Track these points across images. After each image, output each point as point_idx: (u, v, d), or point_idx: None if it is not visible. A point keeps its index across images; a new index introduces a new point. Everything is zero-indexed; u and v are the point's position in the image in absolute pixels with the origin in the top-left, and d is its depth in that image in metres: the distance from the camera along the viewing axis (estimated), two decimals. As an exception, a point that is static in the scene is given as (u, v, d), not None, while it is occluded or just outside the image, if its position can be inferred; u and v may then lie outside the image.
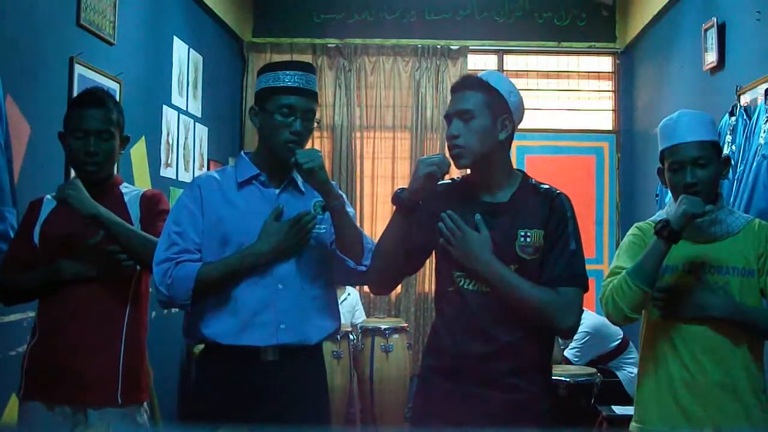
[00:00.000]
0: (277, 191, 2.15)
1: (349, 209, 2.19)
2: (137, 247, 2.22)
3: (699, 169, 2.12)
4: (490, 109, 2.00)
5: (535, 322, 1.98)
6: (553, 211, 2.01)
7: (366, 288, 5.48)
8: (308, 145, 2.18)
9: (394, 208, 2.02)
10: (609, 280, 2.16)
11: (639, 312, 2.14)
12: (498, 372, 1.96)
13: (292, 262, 2.10)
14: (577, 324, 1.99)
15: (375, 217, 5.83)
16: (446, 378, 2.01)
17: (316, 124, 2.17)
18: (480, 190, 2.06)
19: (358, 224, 2.21)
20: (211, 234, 2.10)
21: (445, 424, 1.97)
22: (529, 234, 1.98)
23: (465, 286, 2.00)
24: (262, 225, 2.08)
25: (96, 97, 2.35)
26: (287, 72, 2.10)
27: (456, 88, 2.05)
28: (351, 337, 4.95)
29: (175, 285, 2.04)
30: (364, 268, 2.12)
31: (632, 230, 2.28)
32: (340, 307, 2.34)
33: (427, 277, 5.65)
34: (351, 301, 5.34)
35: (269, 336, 2.06)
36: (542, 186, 2.07)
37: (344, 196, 2.22)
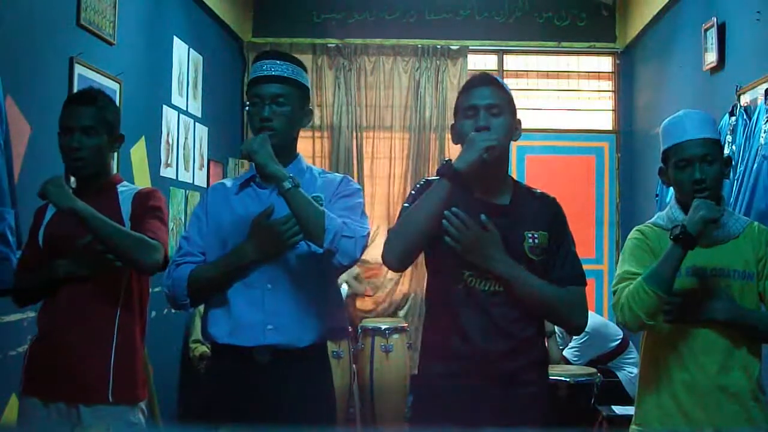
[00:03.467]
0: (269, 191, 2.13)
1: (356, 199, 2.14)
2: (117, 242, 2.19)
3: (707, 165, 2.13)
4: (512, 110, 2.07)
5: (548, 319, 2.07)
6: (554, 214, 2.08)
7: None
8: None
9: (443, 178, 1.96)
10: (622, 286, 2.13)
11: (656, 318, 2.09)
12: (515, 368, 1.99)
13: (284, 262, 2.08)
14: (587, 320, 2.06)
15: (373, 217, 5.82)
16: (457, 378, 1.99)
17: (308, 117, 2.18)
18: (479, 191, 2.06)
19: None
20: (212, 237, 2.14)
21: (456, 424, 1.95)
22: (536, 235, 2.02)
23: (476, 286, 2.00)
24: (250, 225, 2.07)
25: (85, 95, 2.36)
26: (256, 63, 2.16)
27: (482, 83, 2.06)
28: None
29: (174, 285, 2.10)
30: (320, 250, 1.98)
31: (634, 234, 2.26)
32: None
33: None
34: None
35: (258, 337, 2.05)
36: (536, 190, 2.13)
37: (346, 178, 2.19)
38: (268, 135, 2.04)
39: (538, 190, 2.13)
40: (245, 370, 2.06)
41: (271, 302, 2.06)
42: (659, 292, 2.03)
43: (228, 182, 2.24)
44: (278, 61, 2.14)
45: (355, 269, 5.50)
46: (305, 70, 2.22)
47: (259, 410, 2.04)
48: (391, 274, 5.69)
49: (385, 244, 2.02)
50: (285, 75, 2.13)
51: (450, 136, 2.20)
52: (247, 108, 2.16)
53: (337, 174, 2.24)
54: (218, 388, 2.10)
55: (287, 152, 2.13)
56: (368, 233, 2.08)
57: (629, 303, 2.07)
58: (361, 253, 2.06)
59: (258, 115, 2.10)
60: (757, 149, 3.16)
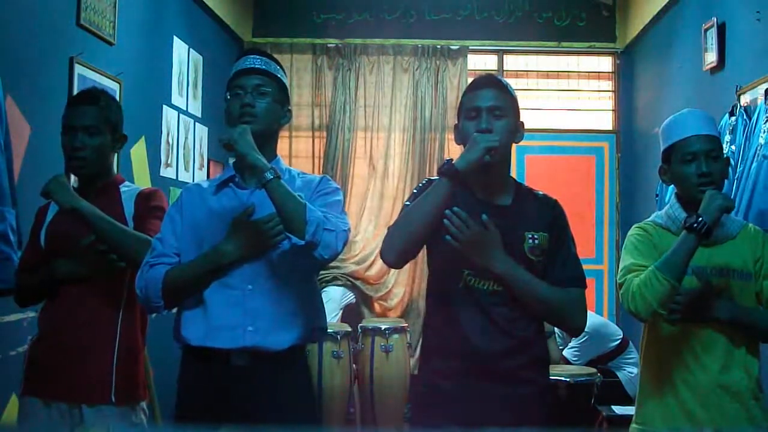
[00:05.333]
0: (248, 192, 2.11)
1: (335, 197, 2.12)
2: (120, 243, 2.20)
3: (712, 161, 2.15)
4: (515, 112, 2.07)
5: (547, 320, 2.07)
6: (555, 216, 2.08)
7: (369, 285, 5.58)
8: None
9: (443, 177, 1.96)
10: (630, 277, 2.13)
11: (666, 308, 2.08)
12: (515, 367, 1.99)
13: (263, 262, 2.04)
14: (586, 322, 2.06)
15: (370, 216, 5.82)
16: (457, 378, 2.00)
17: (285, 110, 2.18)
18: (480, 192, 2.07)
19: (350, 220, 2.13)
20: (188, 238, 2.09)
21: (456, 424, 1.96)
22: (536, 236, 2.03)
23: (476, 285, 2.01)
24: (230, 225, 2.05)
25: (88, 95, 2.36)
26: (239, 60, 2.18)
27: (486, 85, 2.06)
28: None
29: (147, 287, 2.04)
30: (303, 242, 1.94)
31: (635, 230, 2.27)
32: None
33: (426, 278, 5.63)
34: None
35: (237, 338, 2.01)
36: (538, 192, 2.14)
37: (329, 182, 2.16)
38: (248, 126, 2.03)
39: (541, 192, 2.14)
40: (222, 373, 2.03)
41: (251, 303, 2.03)
42: (672, 281, 2.03)
43: (204, 183, 2.22)
44: (261, 57, 2.17)
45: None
46: (285, 72, 2.25)
47: (238, 415, 2.00)
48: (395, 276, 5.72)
49: (384, 240, 2.03)
50: (267, 69, 2.15)
51: (452, 135, 2.21)
52: (227, 98, 2.13)
53: (315, 175, 2.23)
54: (193, 393, 2.07)
55: (267, 151, 2.08)
56: (349, 229, 2.06)
57: (641, 291, 2.06)
58: (343, 248, 2.02)
59: (240, 103, 2.09)
60: (756, 149, 3.16)
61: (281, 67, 2.23)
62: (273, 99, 2.13)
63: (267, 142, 2.11)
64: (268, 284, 2.05)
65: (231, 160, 2.21)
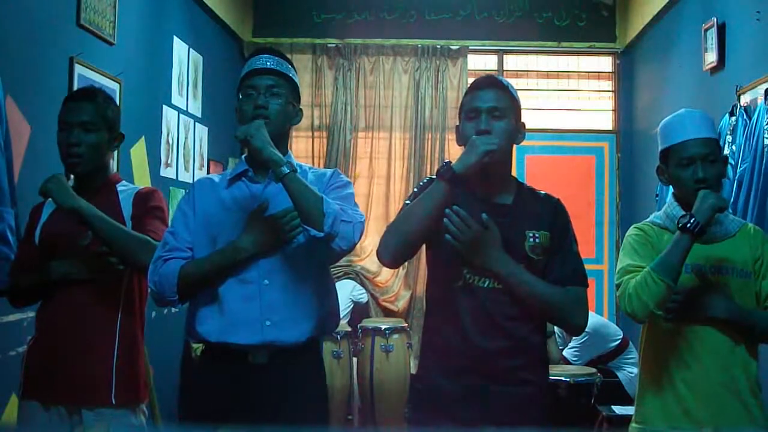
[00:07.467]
0: (262, 186, 2.12)
1: (348, 190, 2.14)
2: (120, 243, 2.19)
3: (709, 165, 2.15)
4: (515, 113, 2.06)
5: (548, 319, 2.06)
6: (557, 214, 2.08)
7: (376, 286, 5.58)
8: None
9: (441, 179, 1.96)
10: (627, 278, 2.14)
11: (662, 308, 2.09)
12: (512, 367, 1.99)
13: (279, 257, 2.06)
14: (587, 321, 2.05)
15: (369, 217, 5.81)
16: (456, 376, 1.99)
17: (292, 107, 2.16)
18: (482, 191, 2.06)
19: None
20: (201, 231, 2.10)
21: (455, 423, 1.96)
22: (537, 235, 2.02)
23: (476, 283, 2.00)
24: (246, 220, 2.06)
25: (84, 91, 2.36)
26: (251, 59, 2.18)
27: (486, 85, 2.06)
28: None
29: (162, 282, 2.05)
30: (321, 234, 1.95)
31: (633, 231, 2.27)
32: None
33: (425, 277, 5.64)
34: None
35: (255, 333, 2.02)
36: (540, 191, 2.13)
37: (339, 174, 2.19)
38: (263, 121, 2.04)
39: (542, 192, 2.13)
40: (240, 368, 2.04)
41: (268, 297, 2.04)
42: (668, 281, 2.04)
43: (215, 177, 2.22)
44: (273, 57, 2.17)
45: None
46: (296, 70, 2.25)
47: (256, 409, 2.02)
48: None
49: (381, 240, 2.04)
50: (280, 69, 2.15)
51: (452, 135, 2.20)
52: (239, 98, 2.13)
53: (327, 169, 2.25)
54: (213, 389, 2.07)
55: (279, 149, 2.07)
56: (364, 220, 2.09)
57: (637, 292, 2.07)
58: (359, 239, 2.04)
59: (253, 104, 2.09)
60: (763, 150, 3.15)
61: (292, 65, 2.23)
62: (286, 100, 2.14)
63: (279, 142, 2.11)
64: (284, 278, 2.06)
65: (242, 156, 2.22)
